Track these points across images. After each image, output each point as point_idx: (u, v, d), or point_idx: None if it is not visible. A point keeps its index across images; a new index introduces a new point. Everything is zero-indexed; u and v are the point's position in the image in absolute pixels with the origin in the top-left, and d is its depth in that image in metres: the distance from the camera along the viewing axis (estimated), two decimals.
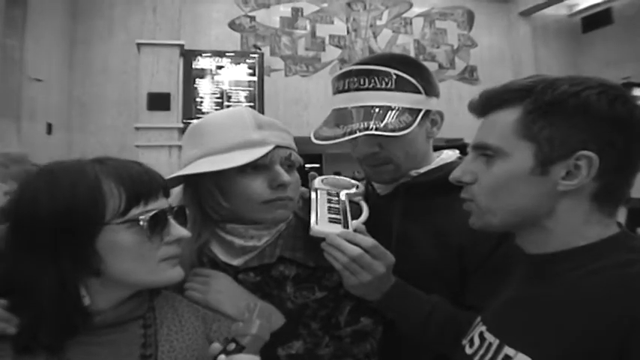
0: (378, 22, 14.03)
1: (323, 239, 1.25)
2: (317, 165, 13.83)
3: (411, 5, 14.53)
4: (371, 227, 1.40)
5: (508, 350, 0.91)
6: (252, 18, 12.43)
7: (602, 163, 0.89)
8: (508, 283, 1.14)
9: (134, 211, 1.05)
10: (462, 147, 1.55)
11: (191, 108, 9.83)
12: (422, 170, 1.45)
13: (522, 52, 16.86)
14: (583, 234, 0.93)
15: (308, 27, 13.13)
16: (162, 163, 8.52)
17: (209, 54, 10.60)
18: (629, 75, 12.74)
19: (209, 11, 12.11)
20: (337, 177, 1.57)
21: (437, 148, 1.57)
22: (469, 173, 1.03)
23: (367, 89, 1.33)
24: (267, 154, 1.22)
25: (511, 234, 1.21)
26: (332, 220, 1.29)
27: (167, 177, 1.25)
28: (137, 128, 9.00)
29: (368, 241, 1.23)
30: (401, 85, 1.33)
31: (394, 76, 1.32)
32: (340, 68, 13.76)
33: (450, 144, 1.57)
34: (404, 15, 14.40)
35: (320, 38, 13.24)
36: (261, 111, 10.41)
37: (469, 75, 15.04)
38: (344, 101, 1.37)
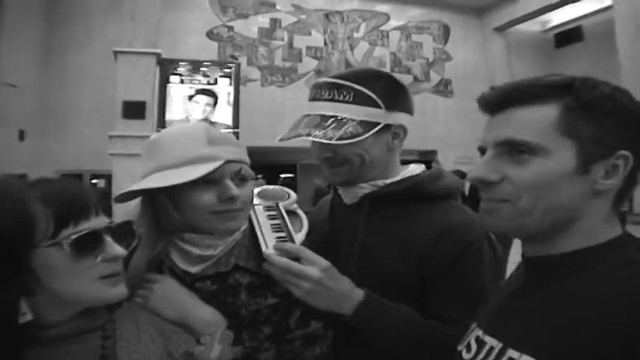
0: (355, 35, 14.21)
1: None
2: (291, 175, 13.93)
3: (388, 18, 14.75)
4: (335, 237, 1.51)
5: (512, 353, 0.89)
6: (231, 28, 12.58)
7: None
8: (499, 287, 1.16)
9: (64, 233, 1.05)
10: (427, 162, 1.68)
11: (165, 117, 9.82)
12: (388, 181, 1.49)
13: (496, 66, 17.25)
14: (599, 235, 0.92)
15: (285, 38, 13.27)
16: (136, 172, 8.43)
17: (186, 63, 10.59)
18: None
19: (187, 20, 12.22)
20: (271, 187, 1.62)
21: (404, 162, 1.62)
22: (495, 171, 0.94)
23: (327, 100, 1.42)
24: (217, 168, 1.26)
25: (474, 243, 1.31)
26: (280, 240, 1.34)
27: (120, 192, 1.32)
28: (111, 136, 8.97)
29: (323, 263, 1.28)
30: (359, 99, 1.40)
31: (353, 90, 1.40)
32: (316, 79, 13.83)
33: (420, 158, 1.75)
34: (381, 28, 14.60)
35: (297, 49, 13.40)
36: (237, 121, 10.50)
37: (444, 88, 15.24)
38: (309, 108, 1.47)
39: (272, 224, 1.41)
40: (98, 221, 1.11)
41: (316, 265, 1.27)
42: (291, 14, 13.32)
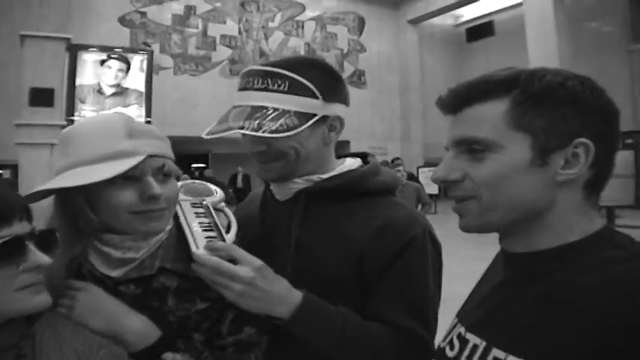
0: (271, 24, 14.40)
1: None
2: (204, 165, 14.04)
3: (304, 8, 15.01)
4: (267, 235, 1.43)
5: (497, 352, 0.89)
6: (144, 14, 12.47)
7: (595, 151, 0.89)
8: (481, 281, 1.13)
9: None
10: (363, 156, 1.52)
11: (75, 105, 9.72)
12: (324, 176, 1.40)
13: (409, 58, 17.84)
14: (574, 228, 0.91)
15: (200, 26, 13.27)
16: (43, 162, 8.33)
17: (96, 49, 10.47)
18: None
19: (99, 5, 12.00)
20: (194, 182, 1.50)
21: (338, 157, 1.53)
22: (455, 170, 0.95)
23: (260, 89, 1.31)
24: (137, 165, 1.14)
25: (416, 238, 1.27)
26: (210, 240, 1.24)
27: (28, 193, 1.18)
28: (18, 125, 8.68)
29: (256, 262, 1.18)
30: (295, 89, 1.30)
31: (288, 79, 1.30)
32: (230, 69, 13.92)
33: (352, 153, 1.57)
34: (296, 18, 14.85)
35: (211, 38, 13.43)
36: (149, 110, 10.53)
37: (357, 79, 15.74)
38: (238, 99, 1.35)
39: (201, 222, 1.31)
40: (21, 227, 1.02)
41: (248, 265, 1.16)
42: (206, 2, 13.35)
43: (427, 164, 15.57)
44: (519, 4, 14.80)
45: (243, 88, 1.36)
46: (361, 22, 16.27)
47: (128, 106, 10.66)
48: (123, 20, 12.04)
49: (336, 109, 1.38)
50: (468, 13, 19.34)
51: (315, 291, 1.25)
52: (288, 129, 1.28)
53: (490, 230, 0.97)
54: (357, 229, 1.33)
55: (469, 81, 0.98)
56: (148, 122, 10.48)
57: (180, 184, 1.39)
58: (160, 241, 1.26)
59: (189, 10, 13.09)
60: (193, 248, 1.20)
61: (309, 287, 1.25)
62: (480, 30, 19.97)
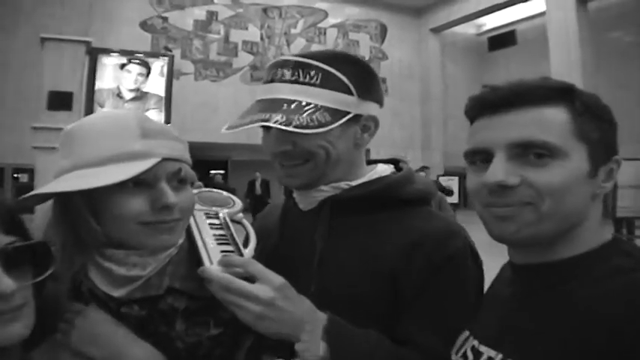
0: (293, 31, 14.27)
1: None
2: (222, 171, 13.92)
3: (326, 15, 14.86)
4: (288, 249, 1.28)
5: None
6: (165, 19, 12.39)
7: None
8: (491, 294, 1.11)
9: None
10: (394, 162, 1.39)
11: (94, 109, 9.66)
12: (353, 183, 1.26)
13: (431, 66, 17.70)
14: (592, 239, 0.92)
15: (222, 31, 13.18)
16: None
17: (117, 53, 10.43)
18: None
19: (121, 9, 11.92)
20: (211, 191, 1.38)
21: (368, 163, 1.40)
22: (513, 174, 0.89)
23: (289, 82, 1.18)
24: (150, 168, 1.01)
25: (456, 256, 1.16)
26: (225, 254, 1.12)
27: (23, 196, 1.05)
28: (35, 128, 8.66)
29: (277, 280, 1.05)
30: (327, 82, 1.18)
31: (321, 72, 1.18)
32: (251, 75, 13.85)
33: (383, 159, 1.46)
34: (319, 25, 14.71)
35: (233, 43, 13.33)
36: (169, 115, 10.42)
37: None
38: (264, 92, 1.22)
39: (216, 235, 1.18)
40: None
41: (268, 283, 1.03)
42: (228, 7, 13.22)
43: (447, 173, 15.37)
44: (542, 14, 14.65)
45: (270, 80, 1.23)
46: (383, 30, 16.13)
47: (147, 110, 10.56)
48: (144, 25, 11.98)
49: (370, 108, 1.26)
50: (490, 22, 19.14)
51: (340, 311, 1.13)
52: (320, 125, 1.16)
53: (538, 242, 0.93)
54: (390, 243, 1.20)
55: (517, 82, 0.95)
56: None
57: (194, 192, 1.24)
58: (169, 257, 1.13)
59: (211, 15, 13.01)
60: (207, 263, 1.09)
61: (334, 307, 1.13)
62: (502, 39, 19.79)
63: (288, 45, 14.00)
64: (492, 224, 0.95)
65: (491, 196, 0.93)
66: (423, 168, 9.61)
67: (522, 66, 17.39)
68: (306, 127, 1.13)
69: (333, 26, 14.87)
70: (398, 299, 1.18)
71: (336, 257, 1.23)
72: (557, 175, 0.88)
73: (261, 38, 13.66)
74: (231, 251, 1.13)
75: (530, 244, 0.95)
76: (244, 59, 13.37)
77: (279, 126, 1.12)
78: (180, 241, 1.14)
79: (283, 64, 1.21)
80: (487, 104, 0.97)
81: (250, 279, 1.03)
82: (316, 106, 1.17)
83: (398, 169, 1.34)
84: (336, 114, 1.18)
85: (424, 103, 17.30)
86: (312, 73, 1.18)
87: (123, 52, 10.56)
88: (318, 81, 1.18)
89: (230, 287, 1.01)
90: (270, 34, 13.79)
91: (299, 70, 1.19)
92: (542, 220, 0.89)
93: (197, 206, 1.23)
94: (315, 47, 14.35)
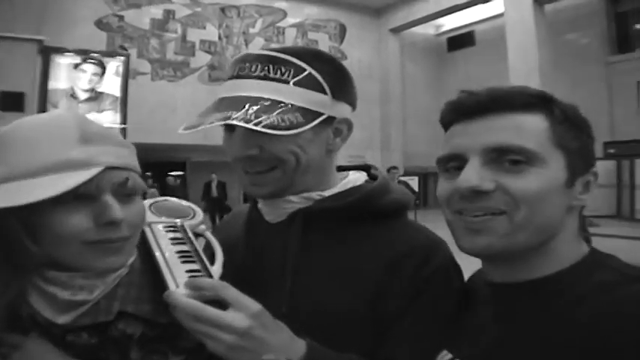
0: (251, 30, 14.26)
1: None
2: (181, 172, 14.04)
3: (285, 15, 14.91)
4: (256, 266, 1.17)
5: None
6: (121, 17, 12.19)
7: None
8: (471, 314, 1.02)
9: None
10: (366, 169, 1.28)
11: (47, 110, 9.55)
12: (326, 193, 1.16)
13: (390, 66, 17.92)
14: (570, 254, 0.88)
15: (179, 30, 13.07)
16: None
17: (71, 52, 10.30)
18: None
19: (75, 7, 11.65)
20: (168, 200, 1.24)
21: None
22: (488, 180, 0.86)
23: (258, 77, 1.06)
24: (92, 179, 0.89)
25: (440, 270, 1.08)
26: (192, 274, 0.99)
27: None
28: None
29: (253, 307, 0.94)
30: (300, 80, 1.07)
31: (294, 67, 1.06)
32: (209, 75, 13.76)
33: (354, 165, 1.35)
34: (277, 24, 14.74)
35: (190, 43, 13.25)
36: (125, 116, 10.38)
37: None
38: (228, 89, 1.10)
39: (179, 251, 1.05)
40: None
41: (243, 310, 0.92)
42: (185, 6, 13.11)
43: (407, 173, 15.57)
44: (500, 15, 14.94)
45: (235, 76, 1.11)
46: (342, 30, 16.28)
47: (103, 111, 10.51)
48: (100, 23, 11.81)
49: (343, 110, 1.16)
50: (448, 22, 19.43)
51: (316, 334, 1.03)
52: (291, 127, 1.03)
53: (511, 255, 0.89)
54: (370, 259, 1.10)
55: (495, 89, 0.92)
56: (123, 129, 10.44)
57: (149, 201, 1.17)
58: (119, 277, 1.00)
59: (169, 14, 12.90)
60: (172, 286, 0.95)
61: (309, 329, 1.02)
62: (461, 40, 20.13)
63: (247, 44, 14.00)
64: (463, 237, 0.91)
65: (462, 202, 0.89)
66: (392, 169, 9.74)
67: (481, 66, 17.70)
68: (277, 127, 1.01)
69: (292, 26, 14.94)
70: (380, 319, 1.08)
71: (310, 275, 1.12)
72: (533, 181, 0.85)
73: (219, 38, 13.61)
74: (198, 270, 1.00)
75: (503, 258, 0.90)
76: (202, 59, 13.31)
77: (245, 124, 0.99)
78: (132, 259, 1.02)
79: (253, 58, 1.10)
80: (463, 109, 0.93)
81: (221, 302, 0.92)
82: (287, 105, 1.05)
83: (370, 175, 1.25)
84: (309, 115, 1.07)
85: (384, 104, 17.43)
86: (284, 69, 1.07)
87: (77, 52, 10.45)
88: (290, 78, 1.07)
89: (200, 316, 0.89)
90: (229, 33, 13.76)
91: (269, 65, 1.07)
92: (516, 230, 0.85)
93: (154, 218, 1.14)
94: (274, 47, 14.39)
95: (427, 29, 19.66)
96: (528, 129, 0.87)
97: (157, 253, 1.03)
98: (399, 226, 1.16)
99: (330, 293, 1.09)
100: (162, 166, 12.25)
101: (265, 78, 1.06)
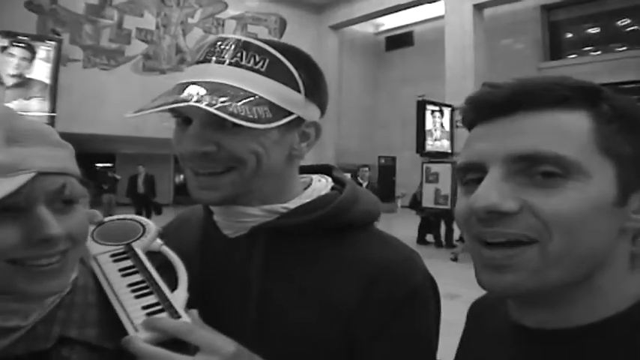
0: (190, 20, 14.15)
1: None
2: (110, 164, 13.74)
3: (225, 6, 14.88)
4: (213, 287, 1.04)
5: None
6: (54, 0, 11.84)
7: None
8: (482, 353, 0.86)
9: None
10: (326, 170, 1.16)
11: None
12: (290, 205, 1.03)
13: (328, 63, 17.86)
14: (620, 293, 0.69)
15: (115, 17, 12.81)
16: None
17: None
18: (423, 93, 14.55)
19: None
20: (112, 220, 1.08)
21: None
22: (512, 198, 0.66)
23: (228, 64, 0.94)
24: (21, 188, 0.74)
25: (419, 289, 0.96)
26: (151, 312, 0.87)
27: None
28: None
29: (227, 348, 0.83)
30: (274, 72, 0.95)
31: (269, 57, 0.94)
32: (143, 64, 13.57)
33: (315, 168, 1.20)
34: (217, 15, 14.70)
35: (126, 30, 13.01)
36: (54, 104, 10.14)
37: None
38: (192, 74, 0.97)
39: (132, 284, 0.93)
40: None
41: (215, 354, 0.82)
42: None
43: (340, 169, 15.99)
44: (440, 17, 15.45)
45: (202, 60, 0.98)
46: (282, 24, 16.39)
47: (30, 98, 10.24)
48: (30, 5, 11.45)
49: (314, 113, 1.04)
50: (388, 22, 19.85)
51: None
52: (258, 121, 0.90)
53: (540, 295, 0.70)
54: (341, 278, 0.99)
55: (526, 80, 0.72)
56: (52, 117, 10.23)
57: (90, 228, 1.00)
58: (59, 298, 0.86)
59: (105, 0, 12.68)
60: (130, 330, 0.84)
61: (279, 357, 0.94)
62: (399, 40, 20.62)
63: (184, 35, 13.91)
64: (481, 272, 0.71)
65: (479, 225, 0.69)
66: (364, 167, 9.85)
67: (418, 66, 18.26)
68: (245, 117, 0.88)
69: (232, 18, 14.92)
70: (354, 345, 0.98)
71: (276, 299, 1.00)
72: (571, 200, 0.64)
73: (157, 26, 13.46)
74: (156, 304, 0.88)
75: (534, 299, 0.72)
76: (137, 47, 13.12)
77: (207, 108, 0.86)
78: (74, 275, 0.89)
79: (222, 41, 0.98)
80: (485, 106, 0.75)
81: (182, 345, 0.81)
82: (256, 96, 0.93)
83: (334, 179, 1.13)
84: (279, 112, 0.95)
85: None
86: (258, 57, 0.95)
87: (5, 34, 10.13)
88: (264, 68, 0.95)
89: None
90: (167, 22, 13.62)
91: (242, 51, 0.95)
92: (550, 264, 0.66)
93: (99, 249, 1.00)
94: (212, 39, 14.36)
95: (366, 28, 20.04)
96: (566, 131, 0.67)
97: (109, 292, 0.91)
98: (369, 239, 1.04)
99: (300, 317, 0.99)
100: (90, 158, 12.00)
101: (237, 65, 0.95)
